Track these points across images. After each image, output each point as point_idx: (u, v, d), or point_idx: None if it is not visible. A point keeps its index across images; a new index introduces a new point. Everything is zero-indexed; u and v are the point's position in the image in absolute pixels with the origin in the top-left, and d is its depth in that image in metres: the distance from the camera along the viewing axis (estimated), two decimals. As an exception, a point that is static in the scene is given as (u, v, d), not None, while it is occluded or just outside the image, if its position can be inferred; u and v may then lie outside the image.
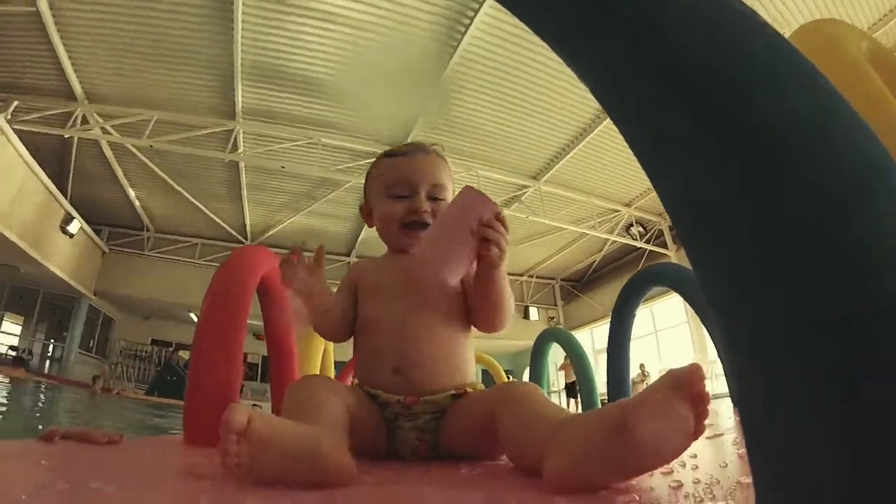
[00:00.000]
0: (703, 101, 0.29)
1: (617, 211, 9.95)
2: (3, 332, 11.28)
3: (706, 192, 0.29)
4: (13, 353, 10.92)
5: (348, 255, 12.24)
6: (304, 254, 1.03)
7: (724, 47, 0.29)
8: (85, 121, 7.65)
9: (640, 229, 10.46)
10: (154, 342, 13.30)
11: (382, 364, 0.93)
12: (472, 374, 0.98)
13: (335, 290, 1.06)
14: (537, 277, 13.87)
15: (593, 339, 12.84)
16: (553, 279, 14.13)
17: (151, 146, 7.77)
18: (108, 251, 11.55)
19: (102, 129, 7.72)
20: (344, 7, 5.78)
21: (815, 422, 0.23)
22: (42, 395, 6.31)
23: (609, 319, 2.57)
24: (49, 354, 12.00)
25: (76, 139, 8.24)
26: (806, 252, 0.25)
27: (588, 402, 3.43)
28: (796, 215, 0.25)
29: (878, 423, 0.22)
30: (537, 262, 12.95)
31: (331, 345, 2.96)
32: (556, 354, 4.19)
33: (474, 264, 0.87)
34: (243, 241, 11.73)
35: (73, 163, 8.94)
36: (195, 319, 1.14)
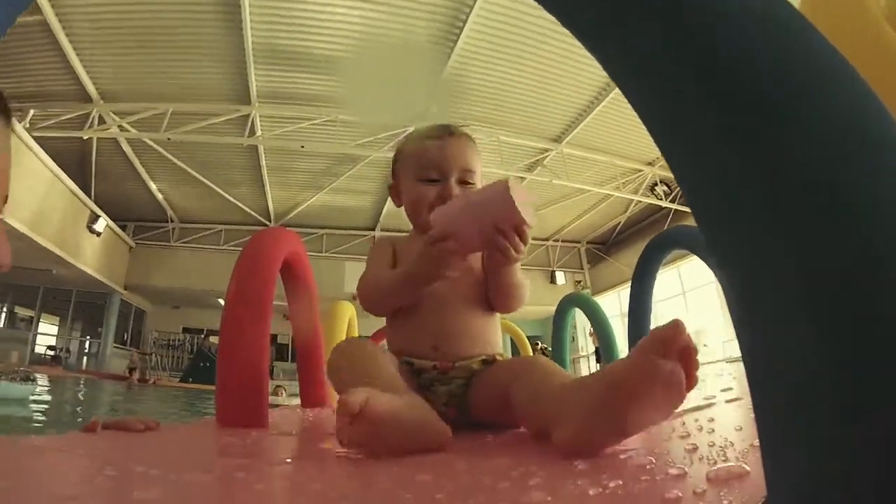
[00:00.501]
0: (705, 66, 0.29)
1: (640, 171, 9.71)
2: (41, 334, 11.77)
3: (715, 157, 0.29)
4: (51, 353, 11.44)
5: (373, 229, 12.30)
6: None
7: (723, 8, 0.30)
8: (102, 120, 7.76)
9: (665, 188, 10.20)
10: (185, 330, 13.62)
11: (422, 341, 0.99)
12: (499, 345, 1.05)
13: (370, 263, 1.09)
14: (562, 241, 13.63)
15: (620, 301, 12.65)
16: (578, 242, 13.84)
17: (169, 139, 7.85)
18: (134, 245, 11.86)
19: (119, 126, 7.82)
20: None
21: (822, 379, 0.24)
22: (82, 391, 6.58)
23: (637, 281, 2.54)
24: (86, 351, 12.53)
25: (95, 139, 8.36)
26: (811, 216, 0.25)
27: (608, 367, 3.41)
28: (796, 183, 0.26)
29: (881, 382, 0.22)
30: (562, 226, 12.74)
31: (355, 320, 3.02)
32: (587, 320, 4.17)
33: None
34: (267, 223, 11.76)
35: (93, 163, 9.11)
36: (223, 304, 1.19)
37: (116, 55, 6.75)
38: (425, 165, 1.05)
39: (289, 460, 0.75)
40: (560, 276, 13.34)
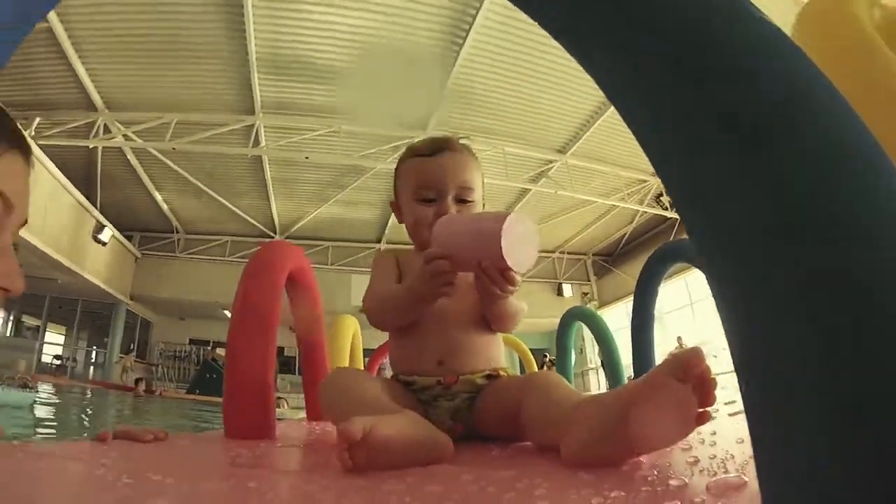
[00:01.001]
0: (695, 78, 0.31)
1: (645, 181, 9.71)
2: (47, 343, 11.83)
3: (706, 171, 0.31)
4: (57, 362, 11.48)
5: (378, 242, 12.30)
6: None
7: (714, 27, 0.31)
8: (107, 130, 7.82)
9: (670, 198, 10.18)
10: (192, 342, 13.60)
11: (427, 357, 0.99)
12: (502, 360, 1.05)
13: (374, 279, 1.09)
14: (569, 253, 13.62)
15: (628, 313, 12.58)
16: (585, 254, 13.84)
17: (174, 148, 7.91)
18: (140, 256, 11.90)
19: (125, 136, 7.89)
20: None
21: (816, 385, 0.24)
22: (89, 400, 6.59)
23: (644, 293, 2.53)
24: (92, 361, 12.57)
25: (100, 149, 8.42)
26: (801, 226, 0.26)
27: (613, 381, 3.39)
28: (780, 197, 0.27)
29: (877, 384, 0.22)
30: (568, 238, 12.73)
31: (359, 333, 3.04)
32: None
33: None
34: (272, 235, 11.80)
35: (99, 172, 9.16)
36: (229, 316, 1.20)
37: (121, 64, 6.83)
38: (422, 185, 1.05)
39: (299, 471, 0.77)
40: (567, 289, 13.33)
